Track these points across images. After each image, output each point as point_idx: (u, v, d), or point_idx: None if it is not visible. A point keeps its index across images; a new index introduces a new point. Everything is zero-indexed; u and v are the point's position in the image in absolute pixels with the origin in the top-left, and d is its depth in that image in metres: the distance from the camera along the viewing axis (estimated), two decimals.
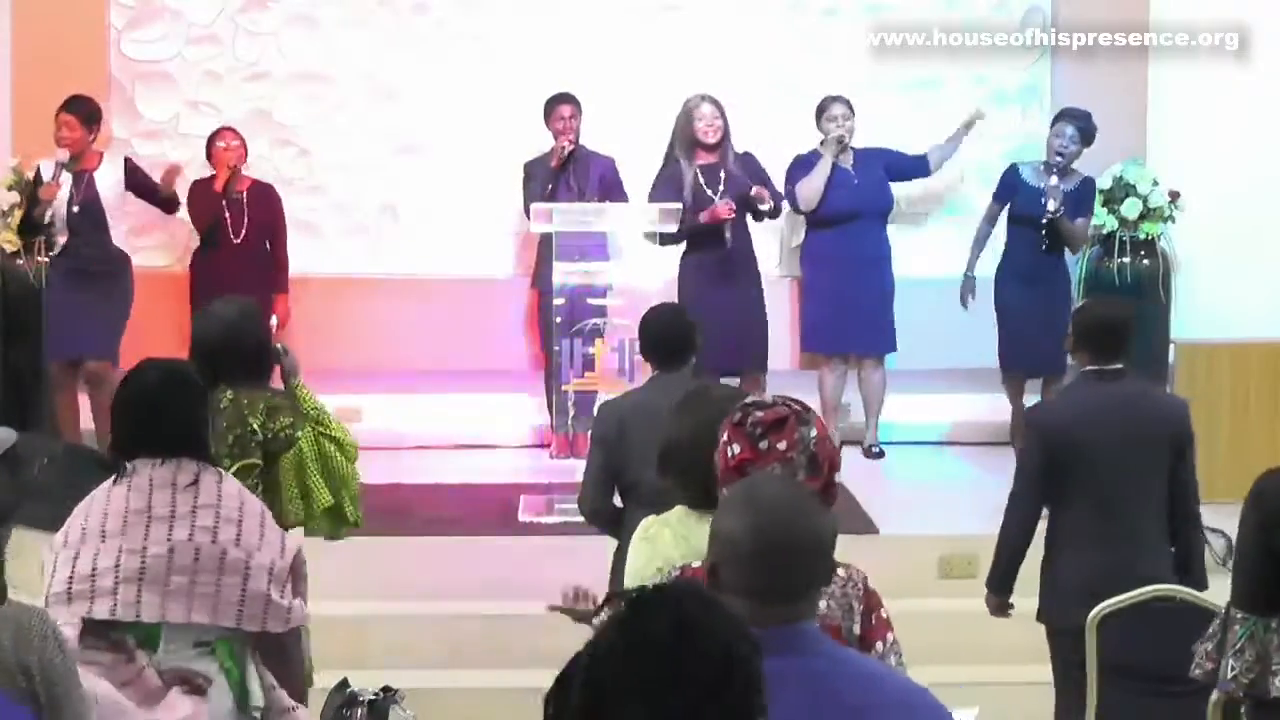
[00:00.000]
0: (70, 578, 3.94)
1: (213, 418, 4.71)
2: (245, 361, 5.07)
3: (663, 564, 3.71)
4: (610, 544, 5.34)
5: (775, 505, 2.68)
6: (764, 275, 8.59)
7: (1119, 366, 5.38)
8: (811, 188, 8.51)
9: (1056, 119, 8.30)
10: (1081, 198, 8.28)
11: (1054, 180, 8.05)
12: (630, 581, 3.84)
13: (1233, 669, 4.02)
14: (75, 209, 8.10)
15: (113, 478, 4.07)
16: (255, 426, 4.95)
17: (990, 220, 8.42)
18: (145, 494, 4.01)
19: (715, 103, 8.35)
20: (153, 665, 3.96)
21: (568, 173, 8.49)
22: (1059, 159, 8.12)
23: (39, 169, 8.22)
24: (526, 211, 8.38)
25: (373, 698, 5.17)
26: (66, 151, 8.06)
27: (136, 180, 8.31)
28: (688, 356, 5.46)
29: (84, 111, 8.15)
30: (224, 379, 4.96)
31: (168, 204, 8.40)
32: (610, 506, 5.38)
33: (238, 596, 4.00)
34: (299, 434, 5.07)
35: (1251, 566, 4.09)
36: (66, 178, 8.08)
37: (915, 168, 8.70)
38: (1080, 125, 8.18)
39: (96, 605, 3.92)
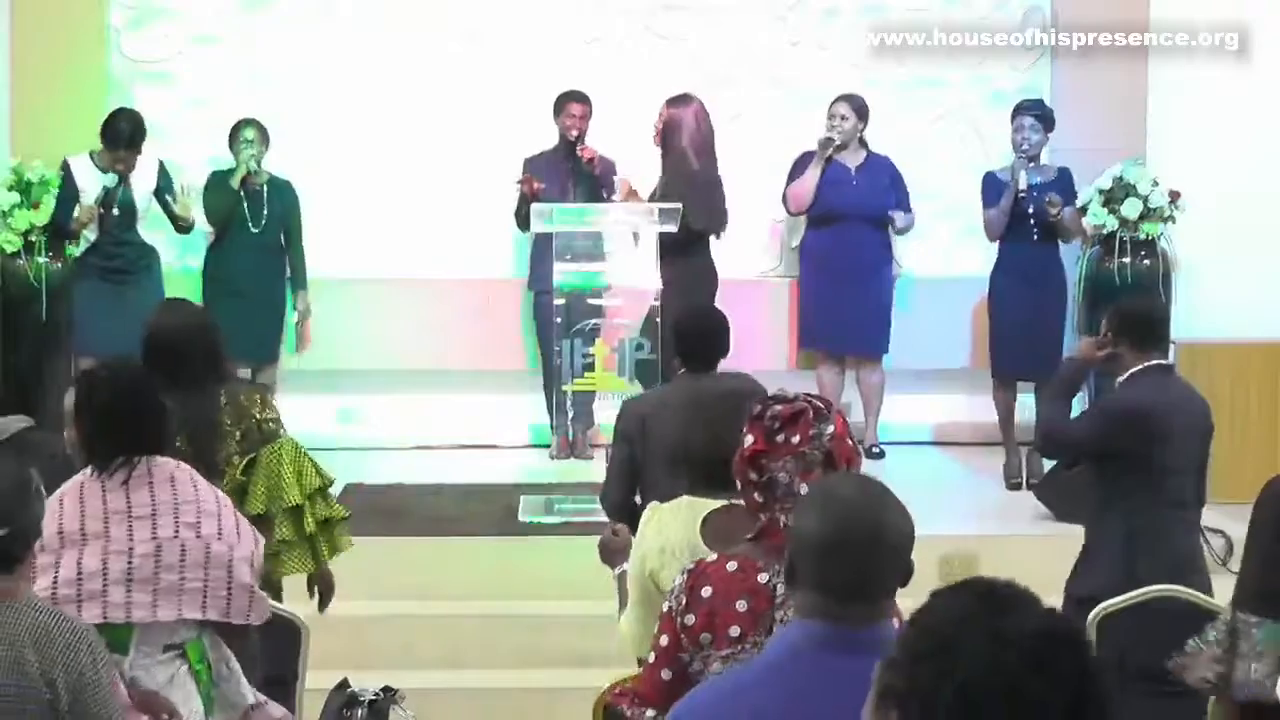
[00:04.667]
0: (54, 583, 3.88)
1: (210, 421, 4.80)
2: (197, 364, 5.07)
3: (644, 552, 3.88)
4: None
5: (856, 501, 2.69)
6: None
7: (1170, 361, 5.46)
8: (800, 190, 8.52)
9: (1013, 115, 8.33)
10: (1062, 189, 8.29)
11: (1022, 172, 8.13)
12: (631, 567, 3.95)
13: (1255, 671, 3.96)
14: (115, 211, 8.20)
15: (80, 480, 4.03)
16: (257, 416, 5.06)
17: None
18: (122, 494, 3.98)
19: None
20: (121, 672, 3.94)
21: (576, 169, 8.50)
22: (1025, 150, 8.20)
23: (68, 166, 8.23)
24: (523, 218, 8.39)
25: (373, 698, 5.17)
26: (115, 176, 8.16)
27: (162, 188, 8.37)
28: (717, 359, 5.47)
29: (138, 139, 8.19)
30: (178, 382, 4.93)
31: (180, 222, 8.45)
32: (631, 502, 5.38)
33: (224, 590, 4.00)
34: (283, 430, 5.15)
35: (1274, 568, 4.03)
36: (99, 185, 8.14)
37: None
38: (1035, 113, 8.24)
39: (85, 610, 3.87)
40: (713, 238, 8.33)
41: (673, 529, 3.92)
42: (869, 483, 2.81)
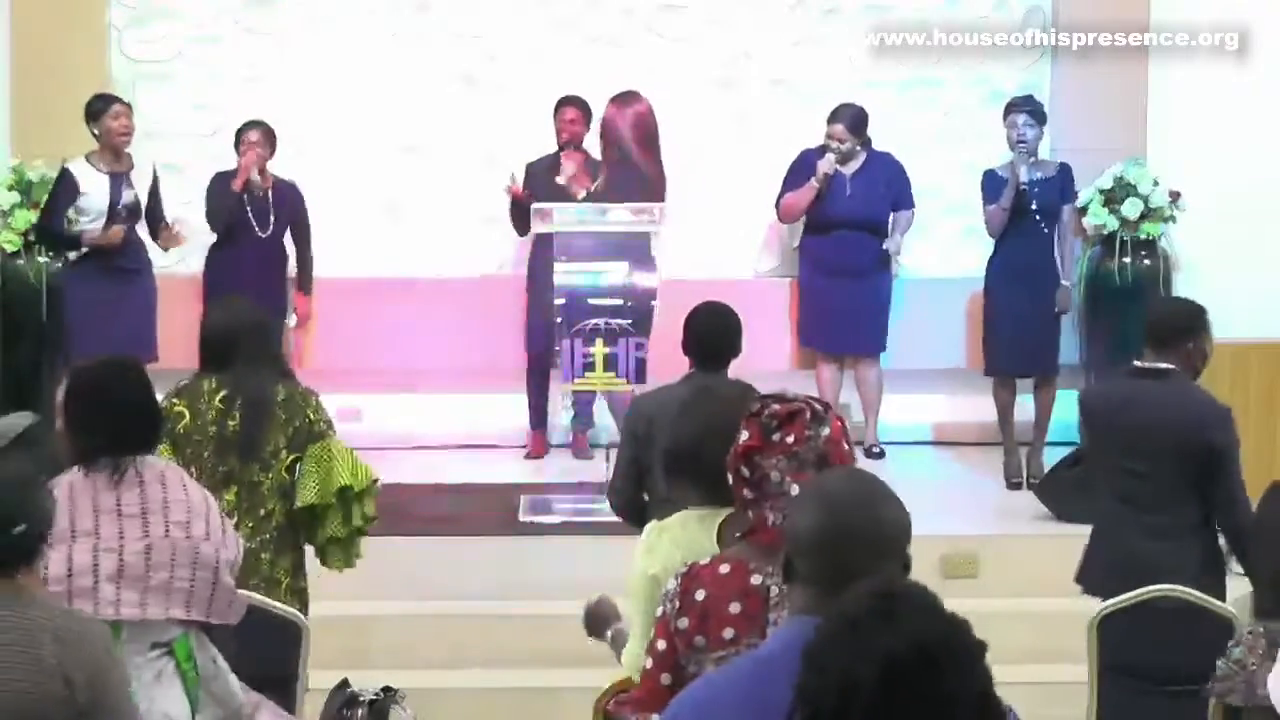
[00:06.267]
0: (44, 580, 3.86)
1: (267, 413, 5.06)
2: (266, 354, 5.21)
3: (660, 570, 3.68)
4: (615, 544, 5.34)
5: (846, 496, 2.72)
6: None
7: (1163, 366, 5.36)
8: (792, 204, 8.53)
9: (1005, 113, 8.28)
10: (1062, 184, 8.28)
11: (1023, 166, 8.11)
12: (628, 587, 3.82)
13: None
14: (121, 211, 8.06)
15: (68, 477, 4.02)
16: (311, 417, 5.21)
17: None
18: (112, 492, 3.99)
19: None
20: None
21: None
22: (1022, 146, 8.14)
23: (67, 170, 8.07)
24: (520, 219, 8.36)
25: (373, 698, 5.17)
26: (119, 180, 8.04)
27: (152, 197, 8.29)
28: (728, 358, 5.42)
29: (122, 99, 8.18)
30: (233, 361, 5.08)
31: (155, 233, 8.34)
32: (639, 499, 5.35)
33: (209, 591, 4.01)
34: (331, 432, 5.31)
35: None
36: (104, 186, 8.07)
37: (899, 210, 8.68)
38: (1028, 109, 8.21)
39: (75, 606, 3.86)
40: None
41: (691, 539, 3.76)
42: (861, 478, 2.83)
